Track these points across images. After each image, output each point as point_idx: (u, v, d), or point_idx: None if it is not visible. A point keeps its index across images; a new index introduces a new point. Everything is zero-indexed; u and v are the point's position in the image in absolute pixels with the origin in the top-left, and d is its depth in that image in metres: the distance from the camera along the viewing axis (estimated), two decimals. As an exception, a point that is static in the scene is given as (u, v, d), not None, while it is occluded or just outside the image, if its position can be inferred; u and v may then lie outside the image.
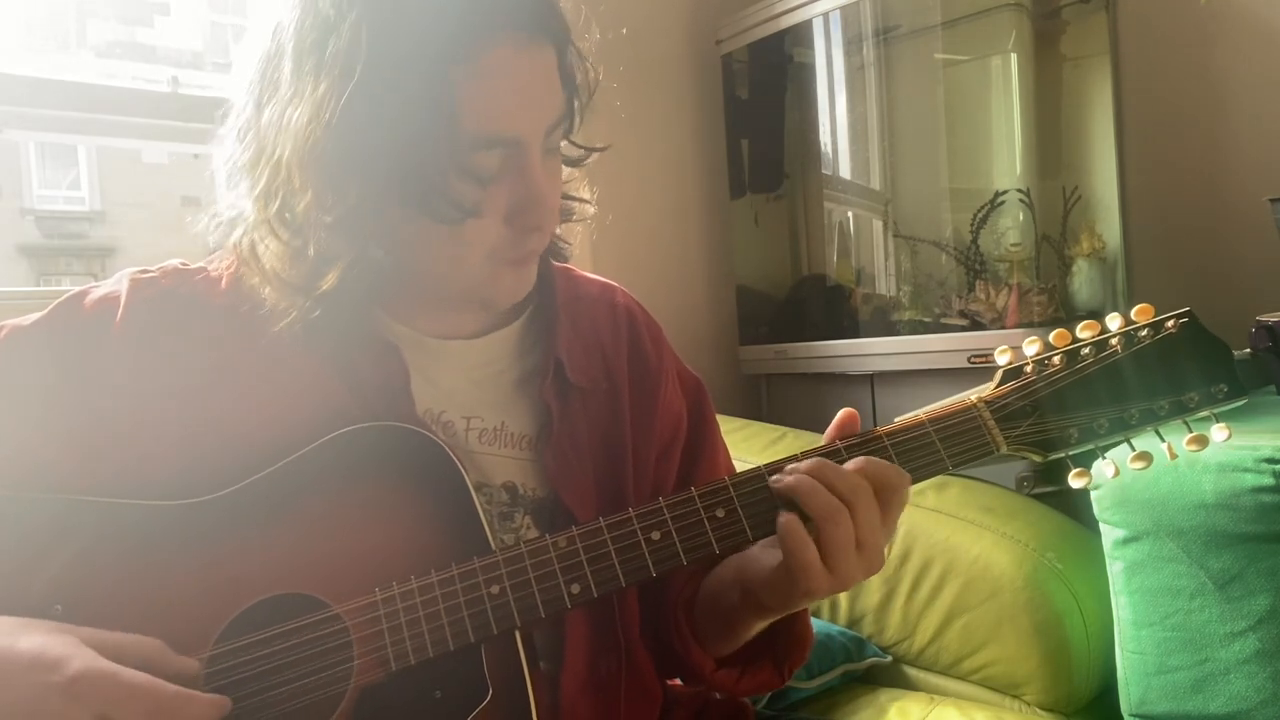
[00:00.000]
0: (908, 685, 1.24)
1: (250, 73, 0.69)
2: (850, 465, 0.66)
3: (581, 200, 0.83)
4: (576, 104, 0.72)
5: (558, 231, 0.82)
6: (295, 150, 0.64)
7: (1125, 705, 1.03)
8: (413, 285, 0.74)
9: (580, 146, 0.77)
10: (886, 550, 0.68)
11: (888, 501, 0.66)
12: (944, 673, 1.22)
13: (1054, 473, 0.73)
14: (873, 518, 0.65)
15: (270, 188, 0.67)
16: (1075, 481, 0.70)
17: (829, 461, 0.67)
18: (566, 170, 0.78)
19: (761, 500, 0.67)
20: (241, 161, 0.70)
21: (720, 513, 0.67)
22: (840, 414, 0.71)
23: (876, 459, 0.67)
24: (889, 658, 1.25)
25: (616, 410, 0.81)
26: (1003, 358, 0.72)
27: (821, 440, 0.72)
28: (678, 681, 0.90)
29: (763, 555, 0.71)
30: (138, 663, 0.59)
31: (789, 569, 0.65)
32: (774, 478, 0.67)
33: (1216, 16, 1.55)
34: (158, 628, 0.62)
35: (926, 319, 1.65)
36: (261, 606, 0.65)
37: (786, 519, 0.65)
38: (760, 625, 0.75)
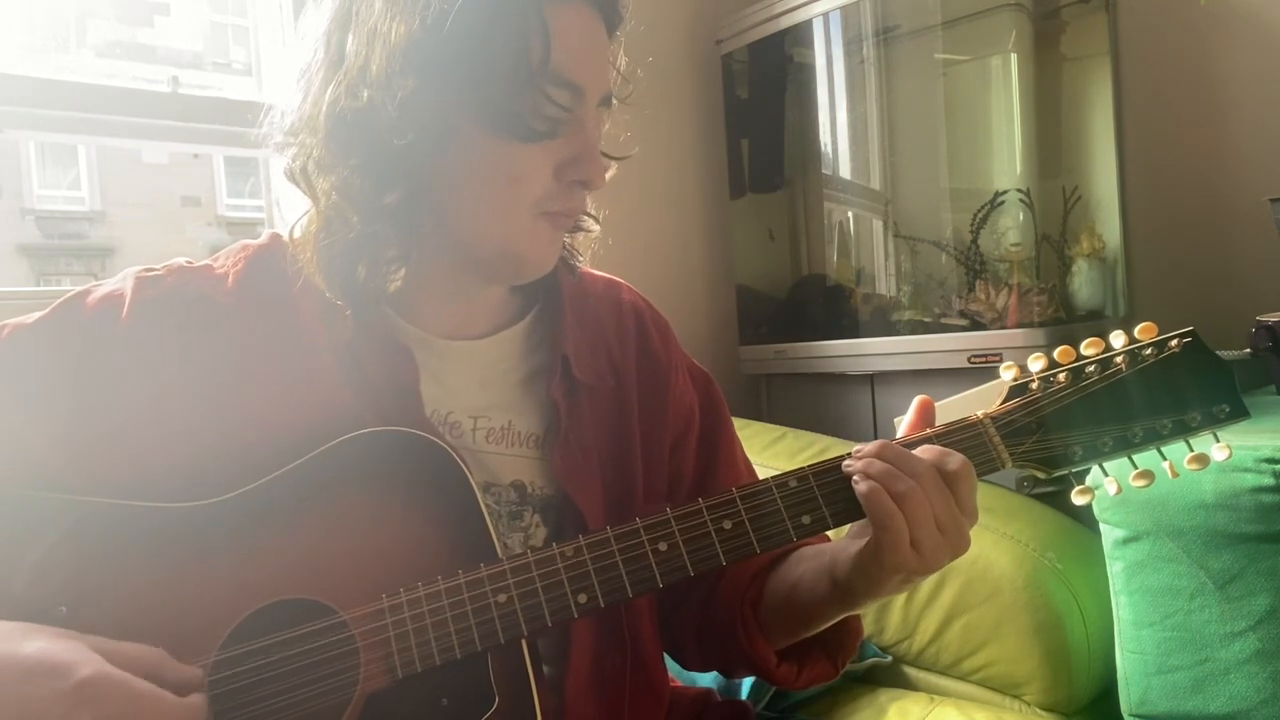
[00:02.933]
0: (908, 685, 1.24)
1: (324, 18, 0.71)
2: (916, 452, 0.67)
3: (588, 215, 0.83)
4: (614, 90, 0.76)
5: (566, 240, 0.82)
6: (390, 54, 0.66)
7: (1125, 705, 1.03)
8: (453, 249, 0.75)
9: (605, 155, 0.78)
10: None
11: (953, 485, 0.66)
12: (944, 673, 1.22)
13: (1053, 480, 0.73)
14: (944, 496, 0.65)
15: (351, 93, 0.68)
16: (1078, 499, 0.71)
17: (890, 443, 0.68)
18: None
19: (769, 512, 0.68)
20: (309, 93, 0.71)
21: (727, 525, 0.67)
22: (918, 401, 0.73)
23: (935, 446, 0.68)
24: (889, 658, 1.25)
25: (624, 406, 0.81)
26: (1008, 373, 0.73)
27: (827, 442, 0.72)
28: (679, 683, 0.90)
29: (849, 545, 0.72)
30: (138, 674, 0.59)
31: (878, 544, 0.65)
32: (846, 464, 0.68)
33: (1216, 16, 1.55)
34: (163, 631, 0.62)
35: (926, 319, 1.65)
36: (267, 611, 0.65)
37: (870, 486, 0.65)
38: (840, 616, 0.76)
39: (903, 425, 0.73)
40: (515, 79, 0.67)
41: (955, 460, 0.67)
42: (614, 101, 0.77)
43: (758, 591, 0.81)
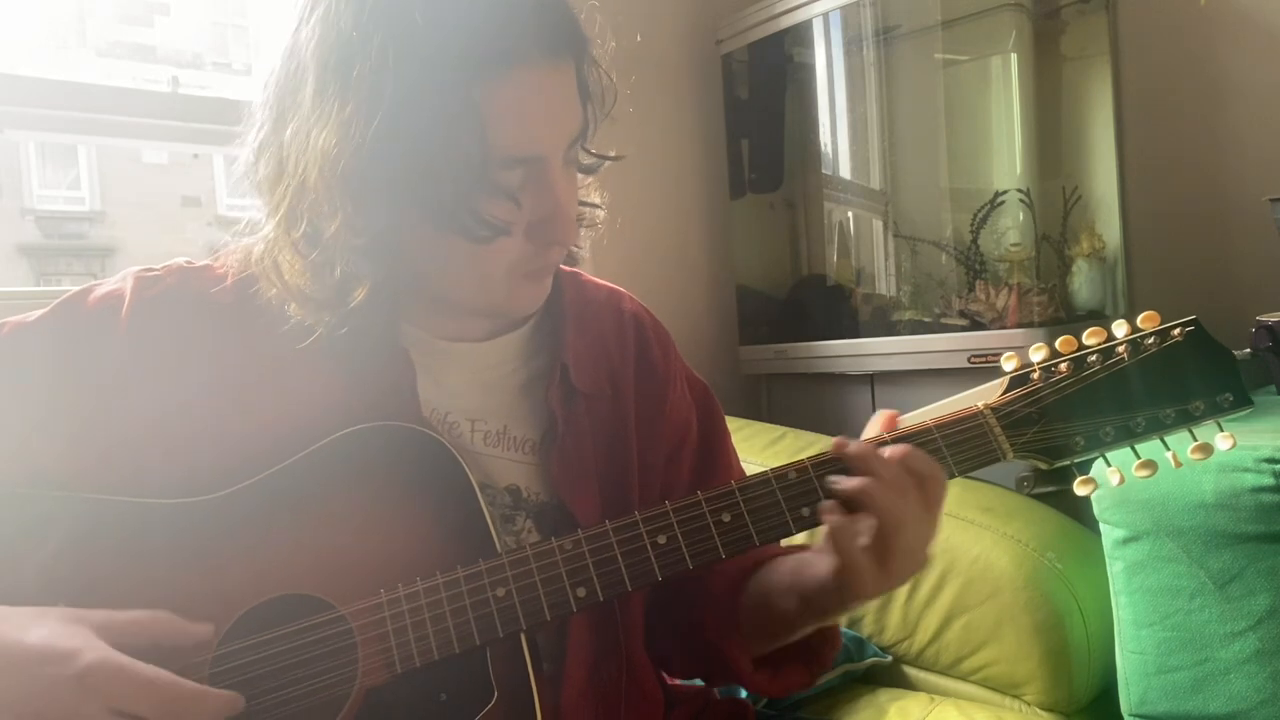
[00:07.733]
0: (908, 685, 1.24)
1: (269, 88, 0.68)
2: (888, 451, 0.67)
3: (593, 206, 0.82)
4: (593, 115, 0.73)
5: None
6: (323, 174, 0.64)
7: (1125, 705, 1.03)
8: (434, 298, 0.75)
9: (595, 155, 0.77)
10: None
11: (926, 490, 0.66)
12: (944, 673, 1.22)
13: (1055, 473, 0.73)
14: (917, 503, 0.66)
15: (296, 210, 0.67)
16: (1081, 489, 0.71)
17: (873, 450, 0.67)
18: (580, 177, 0.78)
19: (768, 505, 0.67)
20: (260, 178, 0.70)
21: (726, 517, 0.67)
22: (881, 415, 0.72)
23: (915, 448, 0.67)
24: (889, 658, 1.25)
25: (621, 416, 0.81)
26: (1009, 364, 0.72)
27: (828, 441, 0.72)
28: (678, 682, 0.90)
29: (816, 561, 0.71)
30: (150, 640, 0.59)
31: (843, 569, 0.66)
32: (832, 479, 0.67)
33: (1216, 16, 1.55)
34: None
35: (926, 319, 1.65)
36: (267, 607, 0.65)
37: (835, 519, 0.65)
38: (813, 628, 0.76)
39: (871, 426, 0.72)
40: (457, 183, 0.64)
41: (930, 464, 0.67)
42: (593, 130, 0.74)
43: (737, 598, 0.81)
